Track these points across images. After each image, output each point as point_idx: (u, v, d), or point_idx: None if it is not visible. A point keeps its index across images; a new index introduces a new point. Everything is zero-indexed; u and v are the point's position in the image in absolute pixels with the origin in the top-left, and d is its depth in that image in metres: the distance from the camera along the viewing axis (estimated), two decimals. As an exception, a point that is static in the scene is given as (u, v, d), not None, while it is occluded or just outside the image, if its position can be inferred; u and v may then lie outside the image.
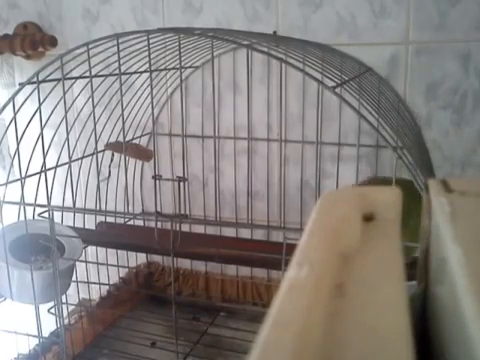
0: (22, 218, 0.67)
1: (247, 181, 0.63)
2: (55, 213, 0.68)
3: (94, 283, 0.85)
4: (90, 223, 0.87)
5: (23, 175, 0.67)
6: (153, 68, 0.65)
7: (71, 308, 0.84)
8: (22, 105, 0.62)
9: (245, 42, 0.56)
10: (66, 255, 0.73)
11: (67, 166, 0.69)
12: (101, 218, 0.86)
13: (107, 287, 0.92)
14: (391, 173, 0.52)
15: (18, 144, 0.64)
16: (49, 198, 0.67)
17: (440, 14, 0.79)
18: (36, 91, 0.59)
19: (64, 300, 0.75)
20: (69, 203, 0.72)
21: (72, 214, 0.82)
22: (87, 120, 0.72)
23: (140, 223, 0.95)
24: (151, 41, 0.57)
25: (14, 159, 0.65)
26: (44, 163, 0.66)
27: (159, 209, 0.93)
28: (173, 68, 0.84)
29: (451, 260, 0.19)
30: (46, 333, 0.75)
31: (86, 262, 0.79)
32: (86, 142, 0.80)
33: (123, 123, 0.62)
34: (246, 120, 0.88)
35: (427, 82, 0.82)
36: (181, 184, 0.66)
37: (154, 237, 0.73)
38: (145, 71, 0.73)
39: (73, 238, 0.75)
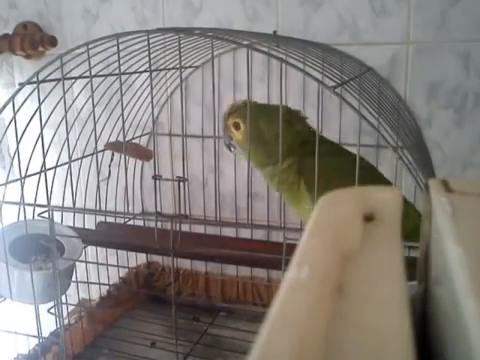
0: (22, 218, 0.67)
1: (247, 181, 0.62)
2: (55, 213, 0.68)
3: (94, 283, 0.85)
4: (90, 223, 0.87)
5: (23, 175, 0.67)
6: (153, 68, 0.65)
7: (71, 308, 0.83)
8: (22, 105, 0.62)
9: (245, 42, 0.56)
10: (66, 255, 0.73)
11: (67, 166, 0.68)
12: (101, 218, 0.86)
13: (107, 287, 0.92)
14: (392, 173, 0.52)
15: (18, 144, 0.64)
16: (49, 198, 0.67)
17: (441, 14, 0.79)
18: (36, 91, 0.59)
19: (64, 300, 0.75)
20: (69, 203, 0.72)
21: (72, 214, 0.82)
22: (87, 120, 0.72)
23: (140, 223, 0.95)
24: (151, 41, 0.57)
25: (14, 159, 0.65)
26: (44, 163, 0.66)
27: (159, 209, 0.93)
28: (173, 68, 0.84)
29: (451, 260, 0.19)
30: (46, 333, 0.75)
31: (86, 262, 0.79)
32: (86, 142, 0.80)
33: (123, 123, 0.62)
34: (246, 120, 0.88)
35: (427, 82, 0.82)
36: (181, 184, 0.65)
37: (154, 237, 0.73)
38: (145, 71, 0.73)
39: (73, 238, 0.75)
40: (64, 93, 0.60)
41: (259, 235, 0.93)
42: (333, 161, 0.60)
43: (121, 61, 0.57)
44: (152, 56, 0.59)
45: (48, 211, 0.67)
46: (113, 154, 0.84)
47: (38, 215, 0.69)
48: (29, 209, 0.68)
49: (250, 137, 0.62)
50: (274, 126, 0.60)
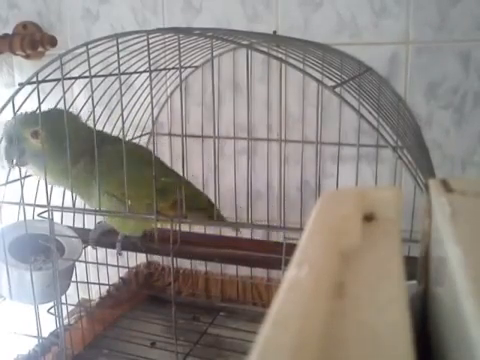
0: (22, 218, 0.67)
1: (247, 181, 0.63)
2: (55, 213, 0.68)
3: (94, 283, 0.85)
4: (90, 223, 0.86)
5: (23, 175, 0.67)
6: (153, 68, 0.65)
7: (71, 308, 0.83)
8: (22, 105, 0.62)
9: (245, 42, 0.56)
10: (66, 255, 0.73)
11: (67, 166, 0.68)
12: (101, 218, 0.86)
13: (107, 287, 0.92)
14: (392, 173, 0.52)
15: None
16: (49, 198, 0.67)
17: (440, 14, 0.79)
18: (36, 91, 0.59)
19: (64, 300, 0.75)
20: (69, 203, 0.72)
21: (72, 214, 0.81)
22: (87, 120, 0.72)
23: (140, 223, 0.94)
24: (151, 41, 0.57)
25: (14, 159, 0.65)
26: (44, 163, 0.65)
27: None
28: (173, 68, 0.84)
29: (451, 260, 0.19)
30: (46, 333, 0.75)
31: (86, 262, 0.79)
32: (86, 142, 0.80)
33: (123, 123, 0.62)
34: (246, 120, 0.88)
35: (427, 82, 0.82)
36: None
37: (154, 237, 0.73)
38: (145, 71, 0.73)
39: (73, 238, 0.75)
40: (64, 93, 0.60)
41: (259, 235, 0.93)
42: (114, 151, 0.65)
43: (121, 61, 0.57)
44: (152, 56, 0.59)
45: (48, 211, 0.66)
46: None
47: (38, 215, 0.69)
48: (29, 209, 0.67)
49: (51, 143, 0.63)
50: (64, 129, 0.62)
